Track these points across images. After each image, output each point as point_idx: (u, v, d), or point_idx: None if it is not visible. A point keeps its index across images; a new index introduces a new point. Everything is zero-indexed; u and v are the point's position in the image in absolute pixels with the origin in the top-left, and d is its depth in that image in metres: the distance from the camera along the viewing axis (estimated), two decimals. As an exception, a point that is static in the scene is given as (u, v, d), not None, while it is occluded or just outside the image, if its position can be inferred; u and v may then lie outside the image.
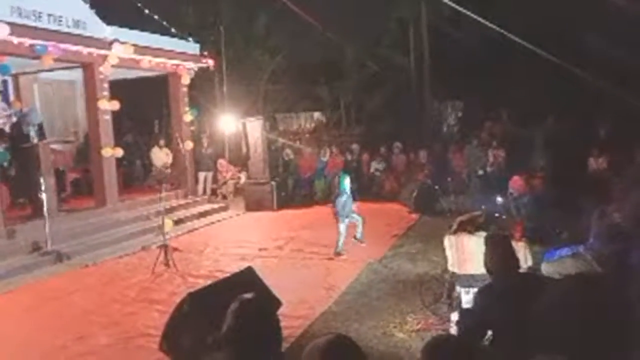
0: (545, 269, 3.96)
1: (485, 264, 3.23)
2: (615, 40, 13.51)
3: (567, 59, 10.78)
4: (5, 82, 10.82)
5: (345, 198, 7.85)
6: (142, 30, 11.51)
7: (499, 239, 3.34)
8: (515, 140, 13.45)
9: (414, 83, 20.07)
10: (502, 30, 10.76)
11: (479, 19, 10.86)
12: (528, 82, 15.98)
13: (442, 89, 18.78)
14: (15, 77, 10.91)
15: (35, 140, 9.29)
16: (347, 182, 7.99)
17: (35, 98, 11.53)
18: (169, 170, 12.28)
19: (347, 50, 21.01)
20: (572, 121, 13.29)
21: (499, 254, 3.16)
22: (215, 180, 13.50)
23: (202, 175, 12.88)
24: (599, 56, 13.71)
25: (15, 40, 8.18)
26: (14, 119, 10.00)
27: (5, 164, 8.64)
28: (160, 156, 12.49)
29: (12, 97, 11.09)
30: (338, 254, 7.84)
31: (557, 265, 3.87)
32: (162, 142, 12.68)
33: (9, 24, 7.94)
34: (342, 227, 7.86)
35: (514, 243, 3.62)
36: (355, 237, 8.19)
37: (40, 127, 9.92)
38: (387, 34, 21.01)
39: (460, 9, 10.98)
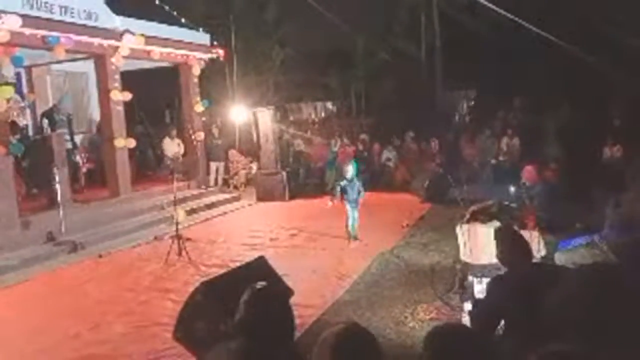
0: (559, 258, 3.94)
1: (498, 255, 3.22)
2: (630, 28, 13.28)
3: (581, 46, 10.63)
4: (18, 74, 10.91)
5: (343, 183, 7.97)
6: (152, 20, 11.52)
7: (508, 231, 3.32)
8: (528, 129, 13.33)
9: (425, 72, 19.92)
10: (514, 18, 10.62)
11: (491, 5, 10.73)
12: (541, 70, 15.80)
13: (454, 78, 18.61)
14: (28, 69, 11.00)
15: (48, 131, 9.39)
16: (349, 169, 8.06)
17: (48, 90, 11.62)
18: (180, 161, 12.33)
19: (357, 40, 20.86)
20: (586, 109, 13.12)
21: (511, 245, 3.14)
22: (226, 170, 13.54)
23: (213, 165, 12.93)
24: (614, 44, 13.49)
25: (27, 31, 8.22)
26: (51, 105, 10.11)
27: (19, 155, 8.72)
28: (172, 147, 12.55)
29: (25, 89, 11.20)
30: (354, 238, 7.93)
31: (571, 255, 3.85)
32: (173, 132, 12.73)
33: (21, 15, 7.98)
34: (349, 210, 7.94)
35: (527, 233, 3.61)
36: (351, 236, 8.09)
37: (69, 117, 10.02)
38: (398, 22, 20.82)
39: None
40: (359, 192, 8.01)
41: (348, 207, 7.97)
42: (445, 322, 4.47)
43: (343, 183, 8.00)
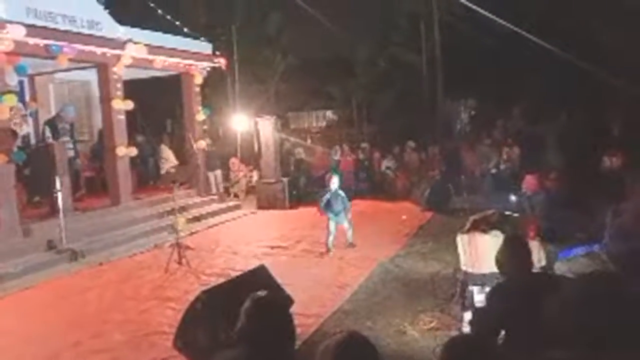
0: (560, 268, 3.94)
1: (498, 263, 3.22)
2: (629, 36, 13.34)
3: (580, 55, 10.68)
4: (21, 82, 10.95)
5: (330, 197, 8.01)
6: (155, 30, 11.60)
7: (517, 239, 3.33)
8: (528, 138, 13.35)
9: (425, 81, 19.99)
10: (514, 27, 10.68)
11: (491, 15, 10.80)
12: (541, 79, 15.86)
13: (454, 87, 18.68)
14: (31, 77, 11.06)
15: (51, 139, 9.42)
16: (334, 181, 8.13)
17: (51, 98, 11.67)
18: (173, 170, 12.33)
19: (358, 48, 20.98)
20: (586, 118, 13.15)
21: (515, 254, 3.15)
22: (227, 178, 13.53)
23: (211, 175, 12.91)
24: (613, 52, 13.54)
25: (31, 41, 8.28)
26: (54, 114, 10.18)
27: (21, 163, 8.74)
28: (168, 153, 12.60)
29: (27, 98, 11.25)
30: (328, 250, 7.98)
31: (571, 264, 3.85)
32: (168, 141, 12.76)
33: (24, 25, 8.05)
34: (331, 225, 8.01)
35: (528, 242, 3.61)
36: (348, 242, 8.20)
37: (72, 126, 10.06)
38: (398, 31, 20.94)
39: (472, 5, 10.92)
40: (343, 203, 8.07)
41: (331, 221, 8.01)
42: (454, 333, 4.46)
43: (327, 197, 8.02)
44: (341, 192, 8.11)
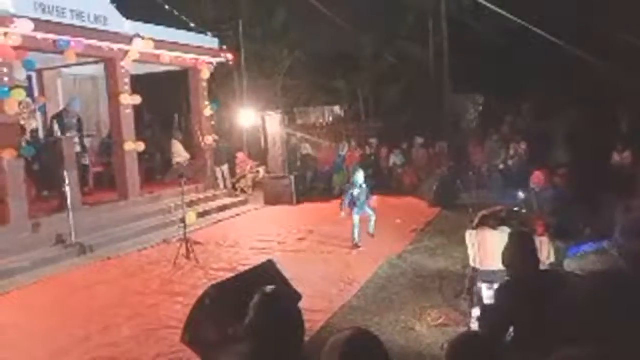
0: (569, 265, 3.92)
1: (504, 260, 3.19)
2: (638, 32, 13.20)
3: (589, 51, 10.60)
4: (29, 77, 11.00)
5: (356, 191, 8.03)
6: (162, 25, 11.60)
7: (522, 235, 3.30)
8: (536, 134, 13.27)
9: (432, 76, 19.89)
10: (522, 22, 10.61)
11: (499, 10, 10.73)
12: (550, 75, 15.74)
13: (461, 83, 18.57)
14: (40, 72, 11.11)
15: (59, 134, 9.47)
16: (359, 175, 8.19)
17: (59, 93, 11.72)
18: (186, 164, 12.33)
19: (365, 43, 20.89)
20: (595, 114, 13.05)
21: (520, 250, 3.12)
22: (233, 174, 13.55)
23: (218, 170, 12.91)
24: (624, 48, 13.41)
25: (39, 36, 8.31)
26: (61, 109, 10.23)
27: (30, 157, 8.79)
28: (180, 148, 12.61)
29: (36, 93, 11.31)
30: (356, 245, 7.98)
31: (581, 261, 3.83)
32: (179, 135, 12.78)
33: (33, 20, 8.08)
34: (356, 218, 8.03)
35: (536, 239, 3.58)
36: (368, 232, 8.28)
37: (79, 121, 10.11)
38: (405, 25, 20.82)
39: (482, 1, 10.84)
40: (367, 194, 8.18)
41: (355, 215, 8.04)
42: (463, 330, 4.45)
43: (356, 192, 8.05)
44: (364, 186, 8.18)
